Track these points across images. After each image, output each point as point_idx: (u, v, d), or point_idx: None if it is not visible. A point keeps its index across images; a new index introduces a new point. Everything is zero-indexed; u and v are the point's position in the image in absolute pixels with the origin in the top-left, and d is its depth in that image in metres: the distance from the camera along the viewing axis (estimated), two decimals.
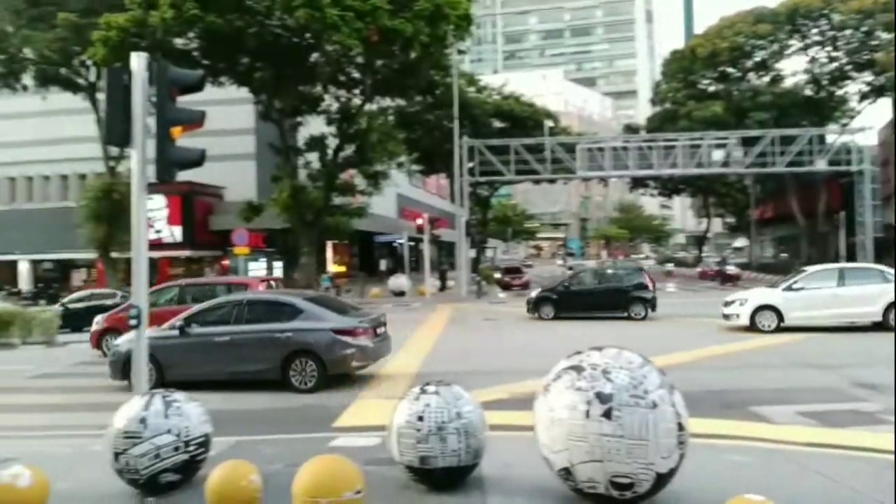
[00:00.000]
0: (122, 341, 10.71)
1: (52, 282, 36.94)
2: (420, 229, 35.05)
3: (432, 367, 11.63)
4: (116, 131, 6.33)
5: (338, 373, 10.23)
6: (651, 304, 19.33)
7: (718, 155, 35.74)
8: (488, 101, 44.32)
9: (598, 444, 4.11)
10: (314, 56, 27.42)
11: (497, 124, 44.06)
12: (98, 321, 15.10)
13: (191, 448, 5.06)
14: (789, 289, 15.19)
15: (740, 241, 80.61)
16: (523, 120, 43.64)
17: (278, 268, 39.71)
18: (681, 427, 4.22)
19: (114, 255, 29.51)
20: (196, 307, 11.41)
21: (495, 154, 36.34)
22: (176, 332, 10.53)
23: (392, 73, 28.38)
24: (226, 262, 36.33)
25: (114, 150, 29.49)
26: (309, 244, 30.26)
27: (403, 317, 21.69)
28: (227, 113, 29.32)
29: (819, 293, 14.85)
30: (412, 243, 47.35)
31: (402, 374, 11.08)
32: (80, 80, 30.05)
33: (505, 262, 58.19)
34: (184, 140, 6.65)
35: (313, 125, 30.18)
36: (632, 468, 4.10)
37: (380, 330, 10.91)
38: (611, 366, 4.30)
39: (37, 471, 4.79)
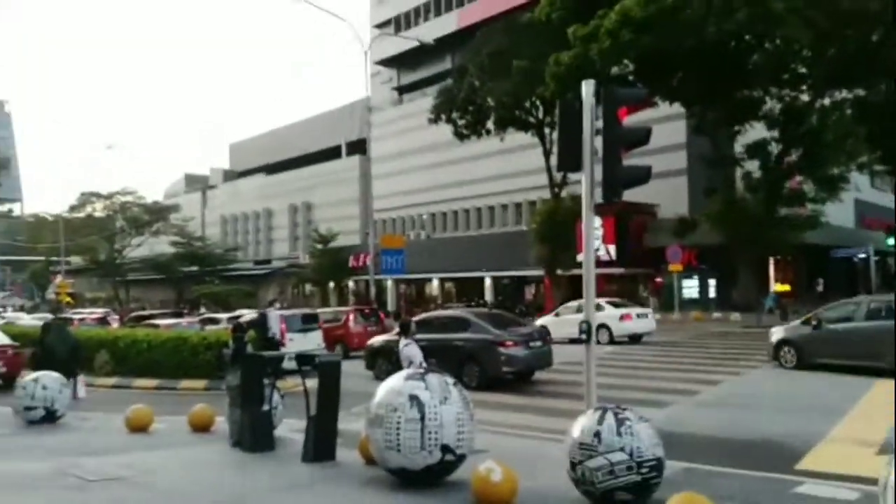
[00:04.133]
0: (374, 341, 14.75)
1: (507, 296, 42.52)
2: None
3: None
4: (568, 158, 6.73)
5: (493, 376, 12.39)
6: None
7: None
8: None
9: None
10: (752, 58, 25.44)
11: None
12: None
13: (643, 470, 4.96)
14: (556, 314, 22.39)
15: None
16: None
17: (712, 286, 37.81)
18: None
19: (558, 272, 32.36)
20: (421, 316, 14.60)
21: None
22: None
23: (848, 59, 24.32)
24: (659, 280, 36.29)
25: (557, 178, 32.52)
26: (747, 261, 28.03)
27: None
28: (658, 130, 28.88)
29: (557, 319, 21.39)
30: (876, 258, 39.48)
31: (881, 414, 9.10)
32: (531, 119, 34.08)
33: None
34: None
35: (750, 132, 27.98)
36: None
37: (532, 343, 12.88)
38: None
39: (506, 467, 5.35)
